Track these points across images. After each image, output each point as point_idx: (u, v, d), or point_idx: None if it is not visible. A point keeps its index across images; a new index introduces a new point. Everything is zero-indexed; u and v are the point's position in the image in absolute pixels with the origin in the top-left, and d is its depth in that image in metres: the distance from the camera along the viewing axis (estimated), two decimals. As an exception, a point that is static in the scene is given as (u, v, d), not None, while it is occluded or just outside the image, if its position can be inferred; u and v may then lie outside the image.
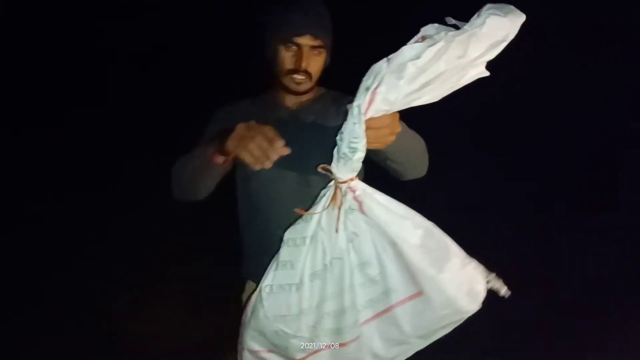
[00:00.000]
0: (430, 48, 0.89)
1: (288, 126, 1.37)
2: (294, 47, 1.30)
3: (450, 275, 1.07)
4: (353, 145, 0.97)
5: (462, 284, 1.09)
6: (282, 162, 1.38)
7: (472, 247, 1.13)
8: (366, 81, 0.93)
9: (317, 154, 1.39)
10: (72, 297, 3.25)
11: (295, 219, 1.41)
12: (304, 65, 1.31)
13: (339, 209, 1.06)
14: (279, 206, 1.40)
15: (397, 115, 0.98)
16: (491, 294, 1.12)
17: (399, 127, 1.00)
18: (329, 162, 1.10)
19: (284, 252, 1.13)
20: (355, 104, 0.93)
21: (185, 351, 2.75)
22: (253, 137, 1.00)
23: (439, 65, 0.90)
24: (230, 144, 1.03)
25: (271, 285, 1.14)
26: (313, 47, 1.31)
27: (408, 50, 0.91)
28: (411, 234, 1.06)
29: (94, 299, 3.22)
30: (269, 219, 1.42)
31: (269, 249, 1.44)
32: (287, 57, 1.32)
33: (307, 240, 1.09)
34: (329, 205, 1.07)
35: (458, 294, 1.09)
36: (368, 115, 0.93)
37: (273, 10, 1.33)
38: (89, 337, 2.86)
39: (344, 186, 1.05)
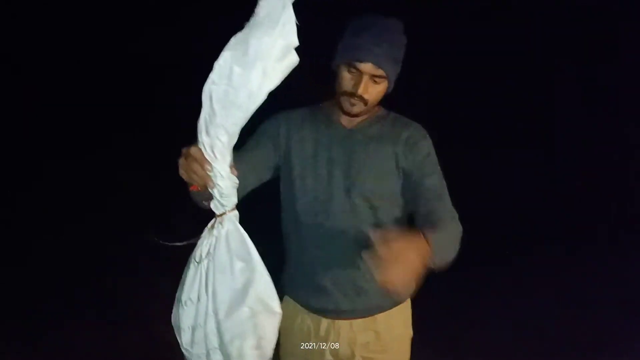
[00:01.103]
0: (218, 65, 0.98)
1: (341, 145, 1.40)
2: (356, 71, 1.30)
3: (231, 324, 1.08)
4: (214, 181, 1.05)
5: (242, 335, 1.10)
6: (329, 183, 1.39)
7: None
8: (200, 128, 1.02)
9: (366, 176, 1.39)
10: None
11: (339, 240, 1.39)
12: (360, 91, 1.31)
13: (206, 240, 1.11)
14: (323, 228, 1.39)
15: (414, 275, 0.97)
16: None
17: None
18: (379, 186, 1.34)
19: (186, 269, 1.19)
20: (207, 149, 1.03)
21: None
22: (190, 164, 1.04)
23: (235, 72, 0.96)
24: (180, 172, 1.08)
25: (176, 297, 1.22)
26: (374, 75, 1.31)
27: (210, 76, 1.00)
28: (236, 277, 1.08)
29: (123, 304, 3.26)
30: (312, 241, 1.41)
31: (308, 270, 1.45)
32: (347, 79, 1.32)
33: (191, 265, 1.14)
34: (206, 234, 1.12)
35: (240, 344, 1.10)
36: (218, 155, 1.03)
37: (347, 30, 1.34)
38: (101, 341, 2.86)
39: (219, 218, 1.10)
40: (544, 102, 5.43)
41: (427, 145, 1.40)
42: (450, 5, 4.90)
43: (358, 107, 1.35)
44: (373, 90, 1.33)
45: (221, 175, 1.05)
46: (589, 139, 5.10)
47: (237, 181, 1.09)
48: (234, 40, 0.99)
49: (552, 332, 3.06)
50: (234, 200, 1.10)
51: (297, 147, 1.41)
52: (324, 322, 1.45)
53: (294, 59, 0.99)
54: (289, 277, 1.52)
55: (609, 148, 5.03)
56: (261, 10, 0.97)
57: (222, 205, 1.09)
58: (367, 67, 1.28)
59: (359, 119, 1.43)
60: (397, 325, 1.51)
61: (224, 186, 1.06)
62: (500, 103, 5.13)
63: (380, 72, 1.30)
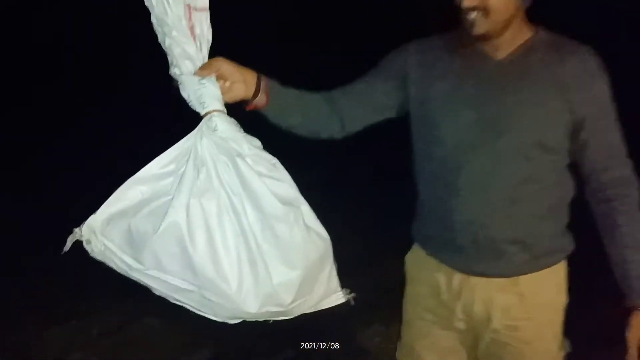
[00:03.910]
0: None
1: (488, 82, 1.21)
2: None
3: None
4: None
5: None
6: (474, 129, 1.21)
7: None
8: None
9: (520, 121, 1.19)
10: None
11: (482, 195, 1.22)
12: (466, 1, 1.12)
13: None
14: (464, 181, 1.23)
15: None
16: None
17: None
18: (536, 133, 1.17)
19: None
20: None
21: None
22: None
23: None
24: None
25: None
26: None
27: None
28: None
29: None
30: (451, 194, 1.25)
31: (444, 225, 1.28)
32: None
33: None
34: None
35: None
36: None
37: None
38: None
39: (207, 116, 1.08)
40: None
41: (603, 84, 1.20)
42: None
43: (479, 24, 1.14)
44: None
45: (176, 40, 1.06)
46: None
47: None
48: None
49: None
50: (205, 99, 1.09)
51: (434, 84, 1.25)
52: (457, 277, 1.30)
53: None
54: (422, 228, 1.40)
55: None
56: None
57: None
58: None
59: (509, 47, 1.20)
60: (546, 289, 1.30)
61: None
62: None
63: None
